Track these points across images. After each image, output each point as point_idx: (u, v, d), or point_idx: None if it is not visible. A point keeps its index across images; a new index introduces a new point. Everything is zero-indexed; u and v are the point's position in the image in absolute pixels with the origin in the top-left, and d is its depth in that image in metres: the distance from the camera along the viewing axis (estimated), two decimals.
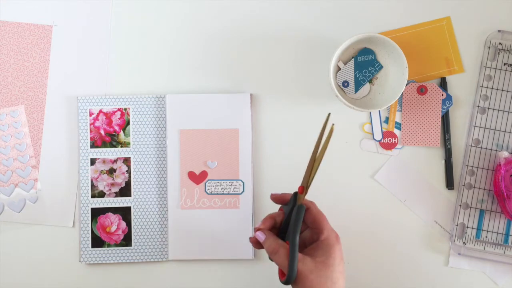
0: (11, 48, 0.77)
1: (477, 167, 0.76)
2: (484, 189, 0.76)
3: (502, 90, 0.77)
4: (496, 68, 0.77)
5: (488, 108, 0.77)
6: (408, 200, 0.77)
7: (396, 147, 0.77)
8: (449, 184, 0.76)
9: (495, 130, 0.77)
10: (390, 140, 0.77)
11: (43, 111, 0.77)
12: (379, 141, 0.77)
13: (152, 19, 0.78)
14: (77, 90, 0.77)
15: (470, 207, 0.76)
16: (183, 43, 0.78)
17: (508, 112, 0.77)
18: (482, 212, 0.76)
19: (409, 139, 0.77)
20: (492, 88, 0.77)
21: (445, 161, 0.76)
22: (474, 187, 0.76)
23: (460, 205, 0.76)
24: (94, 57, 0.78)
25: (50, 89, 0.77)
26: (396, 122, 0.77)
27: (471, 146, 0.76)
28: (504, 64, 0.77)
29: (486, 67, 0.77)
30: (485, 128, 0.77)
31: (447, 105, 0.76)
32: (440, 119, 0.76)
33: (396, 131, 0.77)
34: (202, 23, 0.78)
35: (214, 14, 0.78)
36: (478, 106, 0.77)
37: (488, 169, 0.76)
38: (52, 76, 0.77)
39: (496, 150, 0.76)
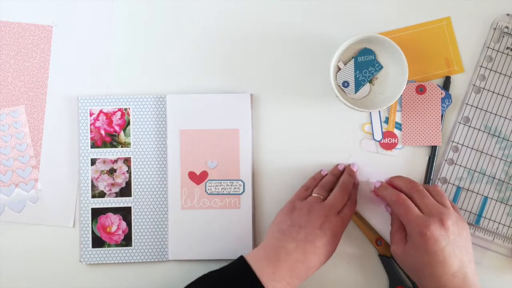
0: (11, 48, 0.77)
1: (462, 145, 0.76)
2: (465, 168, 0.76)
3: (501, 73, 0.76)
4: (498, 51, 0.76)
5: (484, 89, 0.76)
6: None
7: (396, 147, 0.77)
8: (427, 181, 0.76)
9: (486, 111, 0.76)
10: (390, 140, 0.77)
11: (43, 111, 0.77)
12: (379, 141, 0.77)
13: (152, 19, 0.78)
14: (77, 90, 0.77)
15: (448, 182, 0.76)
16: (183, 43, 0.78)
17: (503, 96, 0.76)
18: (458, 189, 0.76)
19: (410, 139, 0.77)
20: (491, 70, 0.76)
21: (429, 158, 0.76)
22: (455, 164, 0.76)
23: (439, 179, 0.76)
24: (94, 57, 0.78)
25: (50, 89, 0.77)
26: (396, 122, 0.77)
27: (459, 123, 0.76)
28: (507, 48, 0.76)
29: (488, 47, 0.76)
30: (476, 107, 0.76)
31: (447, 103, 0.76)
32: (440, 118, 0.76)
33: (396, 131, 0.77)
34: (202, 23, 0.78)
35: (214, 14, 0.78)
36: (474, 85, 0.76)
37: (472, 149, 0.76)
38: (52, 76, 0.77)
39: (484, 131, 0.76)
